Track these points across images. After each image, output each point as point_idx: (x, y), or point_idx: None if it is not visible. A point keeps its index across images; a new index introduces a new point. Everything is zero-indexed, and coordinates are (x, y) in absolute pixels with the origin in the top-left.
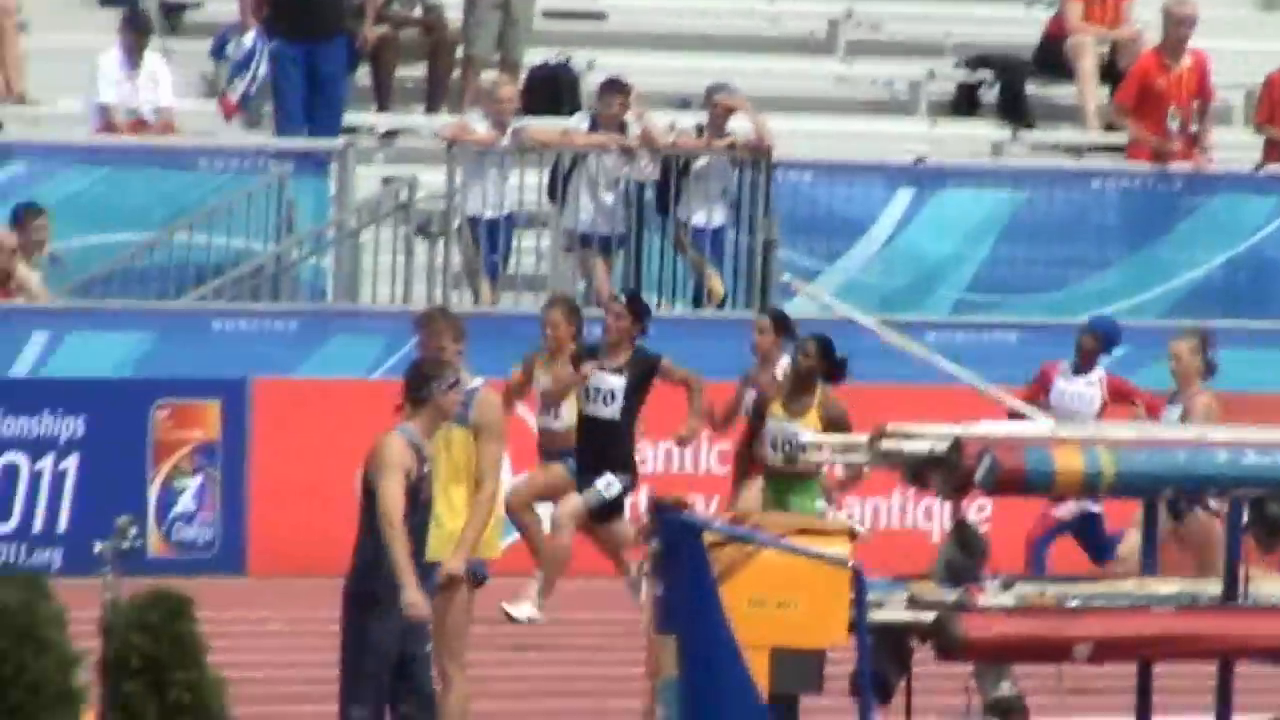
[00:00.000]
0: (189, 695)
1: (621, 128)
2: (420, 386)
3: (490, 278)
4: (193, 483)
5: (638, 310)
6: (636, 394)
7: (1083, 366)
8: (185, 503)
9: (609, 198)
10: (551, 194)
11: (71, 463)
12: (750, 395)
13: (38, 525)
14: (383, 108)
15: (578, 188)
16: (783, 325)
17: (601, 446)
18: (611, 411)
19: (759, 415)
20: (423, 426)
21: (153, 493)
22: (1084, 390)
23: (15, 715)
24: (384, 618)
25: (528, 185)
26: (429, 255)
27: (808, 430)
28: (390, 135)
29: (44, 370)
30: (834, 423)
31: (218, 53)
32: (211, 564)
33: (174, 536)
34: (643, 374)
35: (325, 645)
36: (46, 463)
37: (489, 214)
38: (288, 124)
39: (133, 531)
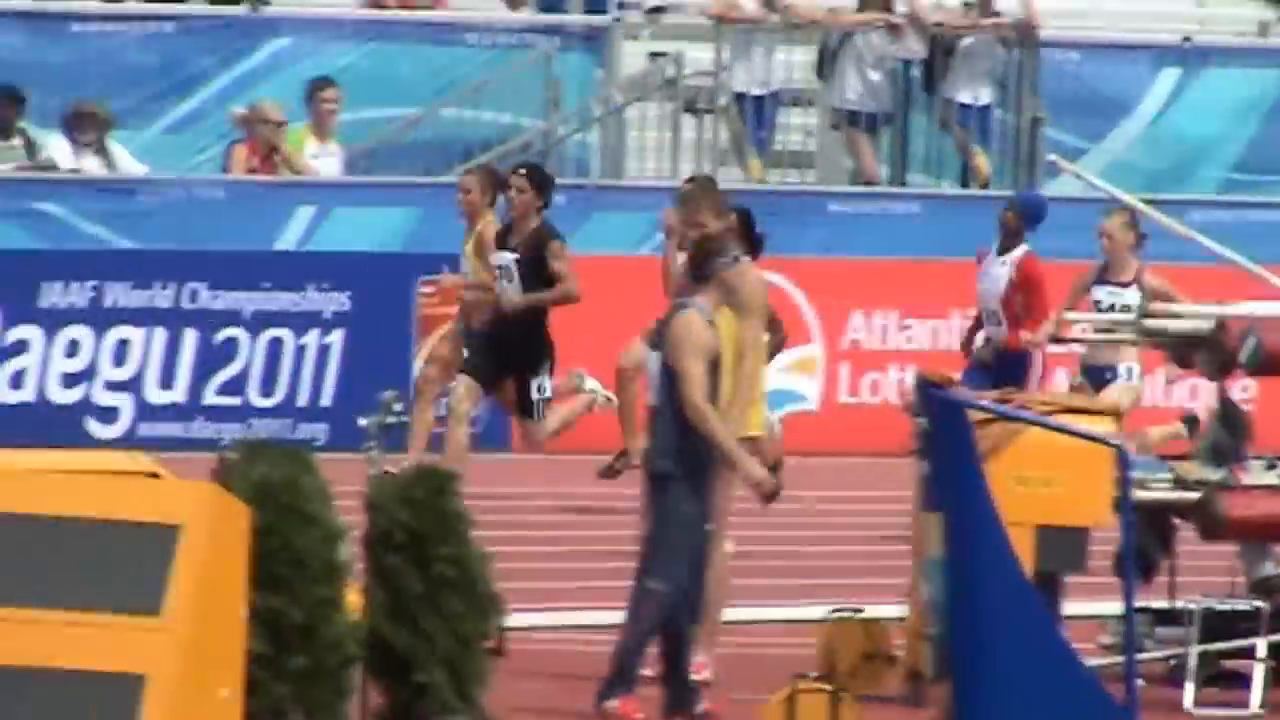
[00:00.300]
0: (452, 569)
1: (889, 6)
2: (704, 263)
3: (757, 154)
4: None
5: (539, 182)
6: (532, 270)
7: (1004, 246)
8: None
9: (875, 75)
10: (819, 71)
11: (336, 337)
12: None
13: (302, 400)
14: None
15: (845, 65)
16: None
17: (514, 330)
18: (513, 289)
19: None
20: (711, 303)
21: (417, 368)
22: (998, 271)
23: (280, 588)
24: (691, 495)
25: (795, 62)
26: (696, 131)
27: None
28: (657, 11)
29: (310, 245)
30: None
31: None
32: (474, 440)
33: (437, 412)
34: (533, 249)
35: (586, 520)
36: (312, 337)
37: (755, 90)
38: (555, 0)
39: (397, 407)
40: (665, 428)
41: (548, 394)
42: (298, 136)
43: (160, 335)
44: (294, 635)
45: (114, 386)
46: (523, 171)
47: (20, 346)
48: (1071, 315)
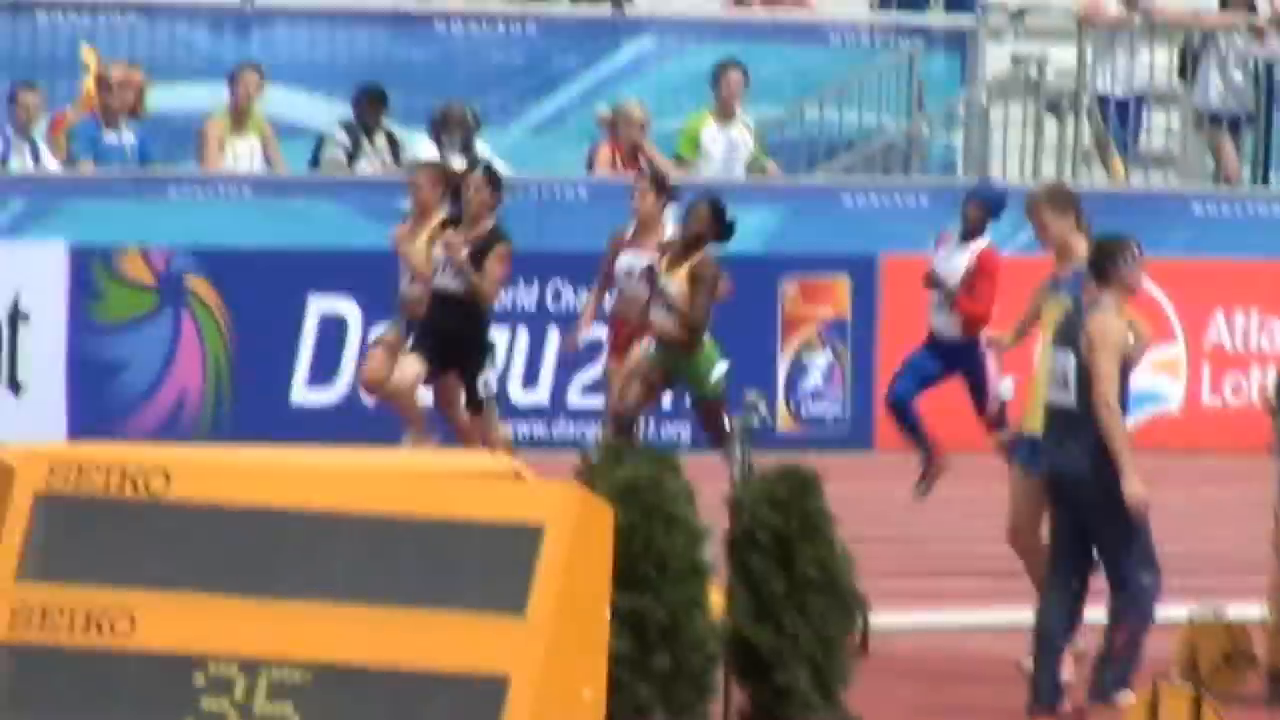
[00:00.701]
0: (816, 569)
1: (1252, 5)
2: (1106, 264)
3: (1121, 155)
4: (821, 359)
5: (494, 181)
6: (479, 266)
7: (967, 235)
8: (814, 379)
9: (1238, 76)
10: (1181, 72)
11: None
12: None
13: (665, 400)
14: None
15: (1207, 66)
16: (663, 188)
17: (451, 322)
18: (458, 285)
19: (652, 278)
20: (1115, 304)
21: (781, 368)
22: (959, 259)
23: (644, 587)
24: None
25: (1158, 64)
26: (1058, 132)
27: (676, 286)
28: (1021, 13)
29: None
30: (698, 279)
31: None
32: (839, 439)
33: (802, 412)
34: (481, 250)
35: (950, 519)
36: None
37: (1119, 91)
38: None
39: (761, 407)
40: (1083, 427)
41: (494, 389)
42: (695, 122)
43: (524, 335)
44: (657, 635)
45: None
46: (481, 172)
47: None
48: None
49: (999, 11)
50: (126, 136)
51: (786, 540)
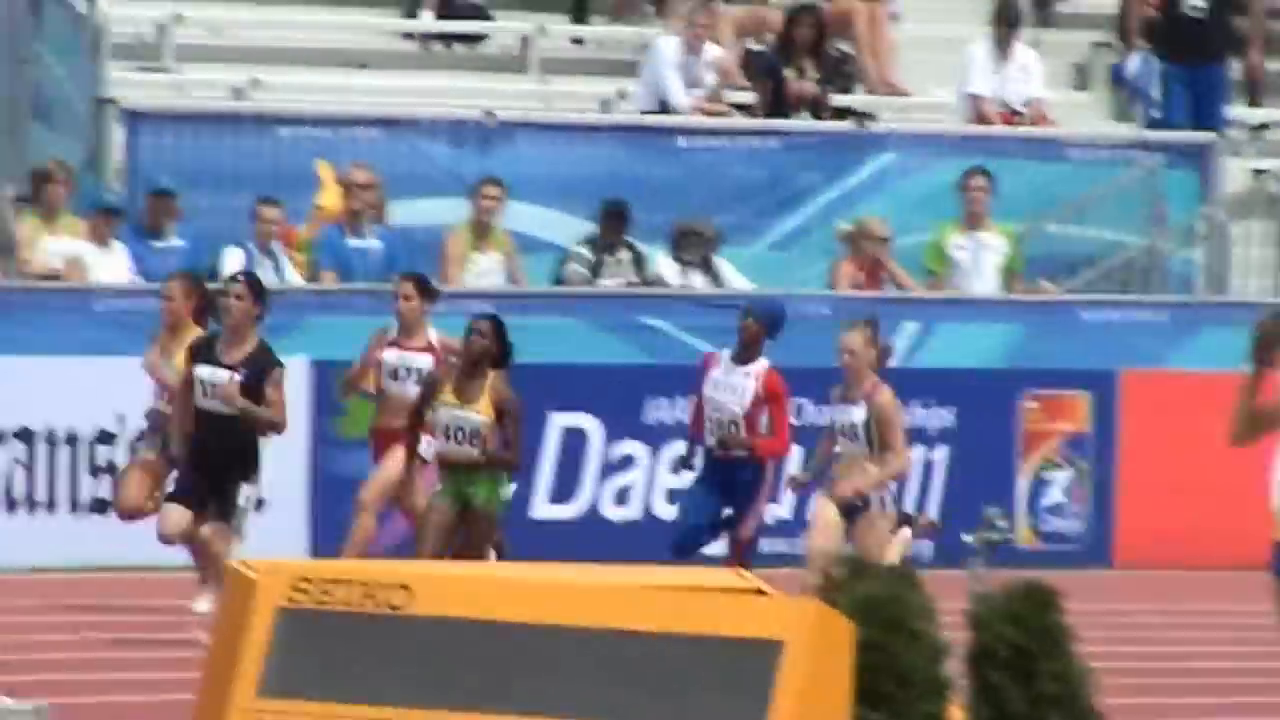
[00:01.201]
0: (1056, 686)
1: None
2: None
3: None
4: (1062, 475)
5: (257, 291)
6: (254, 385)
7: (744, 356)
8: (1054, 494)
9: None
10: None
11: (940, 453)
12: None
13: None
14: (1254, 102)
15: None
16: (426, 290)
17: (220, 443)
18: (230, 408)
19: (426, 398)
20: None
21: (1021, 484)
22: (739, 382)
23: (883, 704)
24: None
25: None
26: None
27: (480, 418)
28: (1261, 128)
29: (914, 360)
30: (505, 410)
31: (1117, 79)
32: (1079, 556)
33: (1042, 528)
34: (255, 367)
35: (1195, 637)
36: (917, 453)
37: None
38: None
39: (1002, 523)
40: None
41: (254, 502)
42: (942, 233)
43: None
44: None
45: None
46: (240, 278)
47: (626, 462)
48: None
49: (1239, 127)
50: (372, 242)
51: (1027, 655)
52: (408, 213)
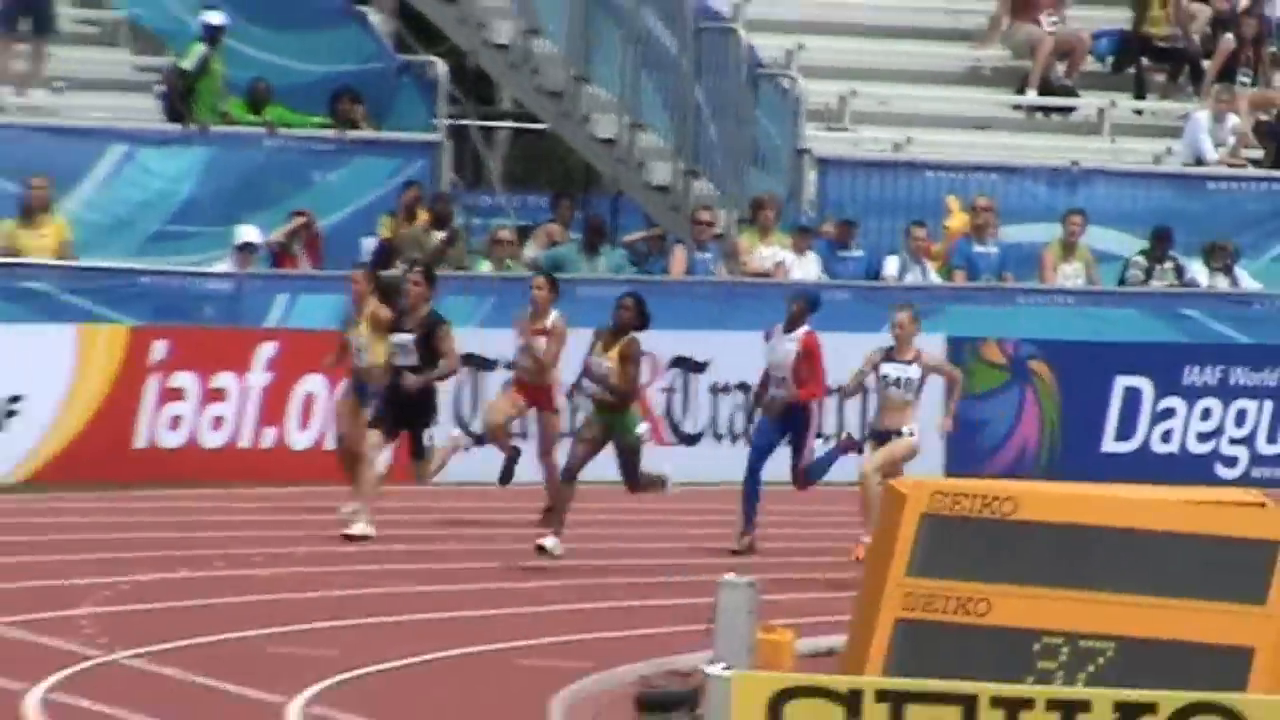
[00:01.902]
0: None
1: None
2: None
3: None
4: None
5: (430, 278)
6: (424, 346)
7: (790, 327)
8: None
9: None
10: None
11: None
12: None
13: None
14: None
15: None
16: (555, 285)
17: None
18: (413, 361)
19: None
20: None
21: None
22: (789, 346)
23: None
24: None
25: None
26: None
27: (609, 364)
28: None
29: None
30: (626, 358)
31: None
32: None
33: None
34: (426, 331)
35: None
36: None
37: None
38: None
39: None
40: None
41: (435, 442)
42: None
43: (1269, 405)
44: None
45: (1235, 442)
46: (418, 270)
47: (1168, 413)
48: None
49: None
50: (990, 249)
51: None
52: (1015, 234)
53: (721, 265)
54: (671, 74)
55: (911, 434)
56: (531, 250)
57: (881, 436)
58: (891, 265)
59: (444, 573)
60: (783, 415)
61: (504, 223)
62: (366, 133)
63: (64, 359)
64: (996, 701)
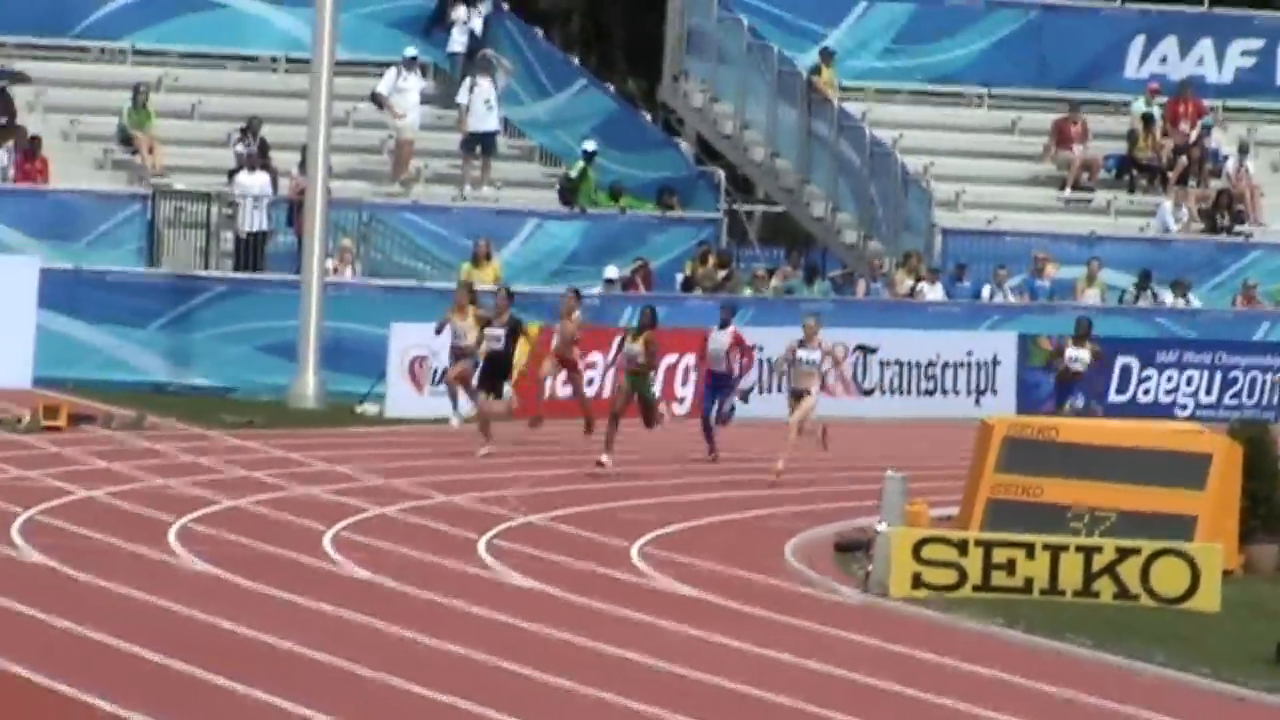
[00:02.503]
0: None
1: None
2: None
3: None
4: None
5: (510, 295)
6: (509, 338)
7: (722, 326)
8: None
9: None
10: None
11: None
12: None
13: None
14: None
15: None
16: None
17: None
18: (501, 346)
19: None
20: None
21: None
22: (722, 339)
23: (1258, 479)
24: None
25: None
26: None
27: (639, 349)
28: None
29: None
30: (649, 343)
31: None
32: None
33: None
34: (511, 329)
35: None
36: None
37: None
38: None
39: None
40: None
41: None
42: None
43: (1206, 374)
44: (1263, 498)
45: (1186, 395)
46: (504, 290)
47: (1146, 378)
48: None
49: None
50: (1045, 282)
51: None
52: (1059, 273)
53: (885, 291)
54: (856, 177)
55: (810, 392)
56: (776, 281)
57: (797, 394)
58: (985, 291)
59: (708, 484)
60: (717, 383)
61: (759, 266)
62: (678, 213)
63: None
64: (1045, 546)
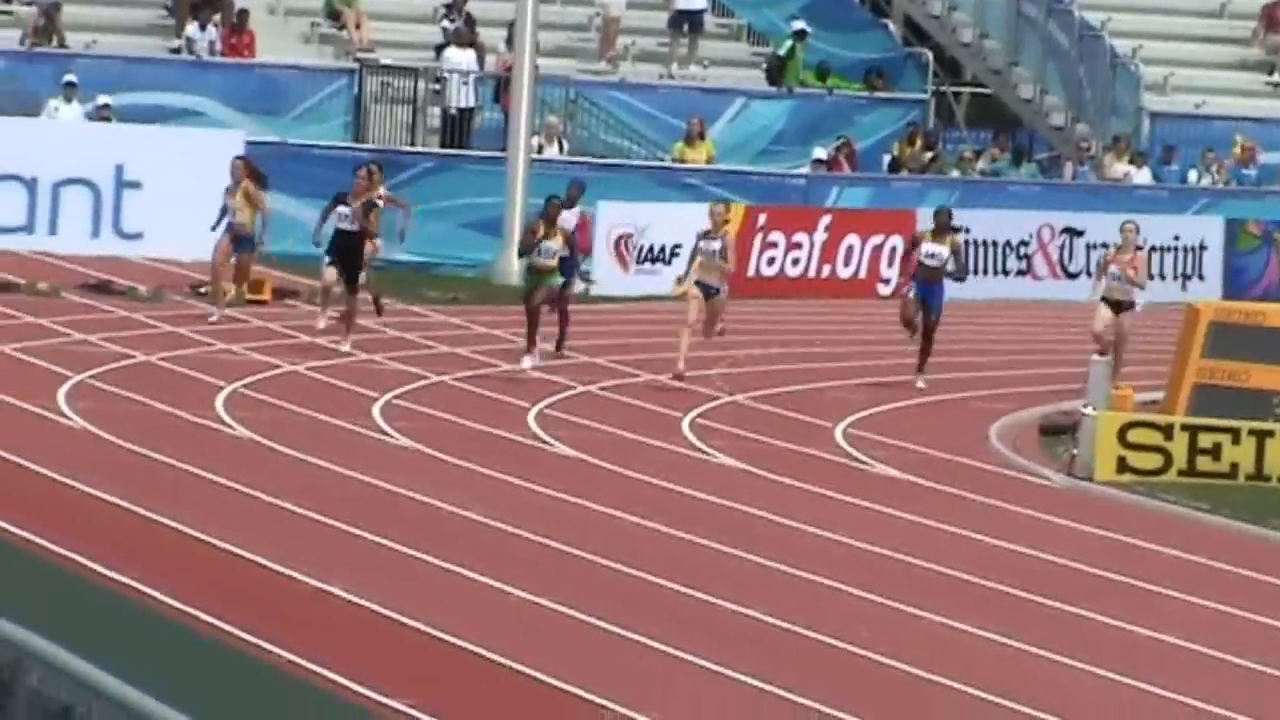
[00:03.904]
0: None
1: None
2: None
3: None
4: None
5: (372, 173)
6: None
7: (569, 205)
8: None
9: None
10: None
11: None
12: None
13: None
14: None
15: None
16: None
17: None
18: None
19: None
20: None
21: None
22: (569, 217)
23: None
24: None
25: None
26: None
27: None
28: None
29: None
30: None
31: None
32: None
33: None
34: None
35: None
36: None
37: None
38: None
39: None
40: None
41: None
42: None
43: None
44: None
45: None
46: (371, 166)
47: None
48: None
49: None
50: (1251, 170)
51: None
52: (1264, 159)
53: (1093, 174)
54: (1065, 60)
55: (720, 291)
56: (982, 164)
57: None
58: (1193, 175)
59: (915, 366)
60: (563, 265)
61: (965, 148)
62: (886, 94)
63: (705, 225)
64: (1251, 432)
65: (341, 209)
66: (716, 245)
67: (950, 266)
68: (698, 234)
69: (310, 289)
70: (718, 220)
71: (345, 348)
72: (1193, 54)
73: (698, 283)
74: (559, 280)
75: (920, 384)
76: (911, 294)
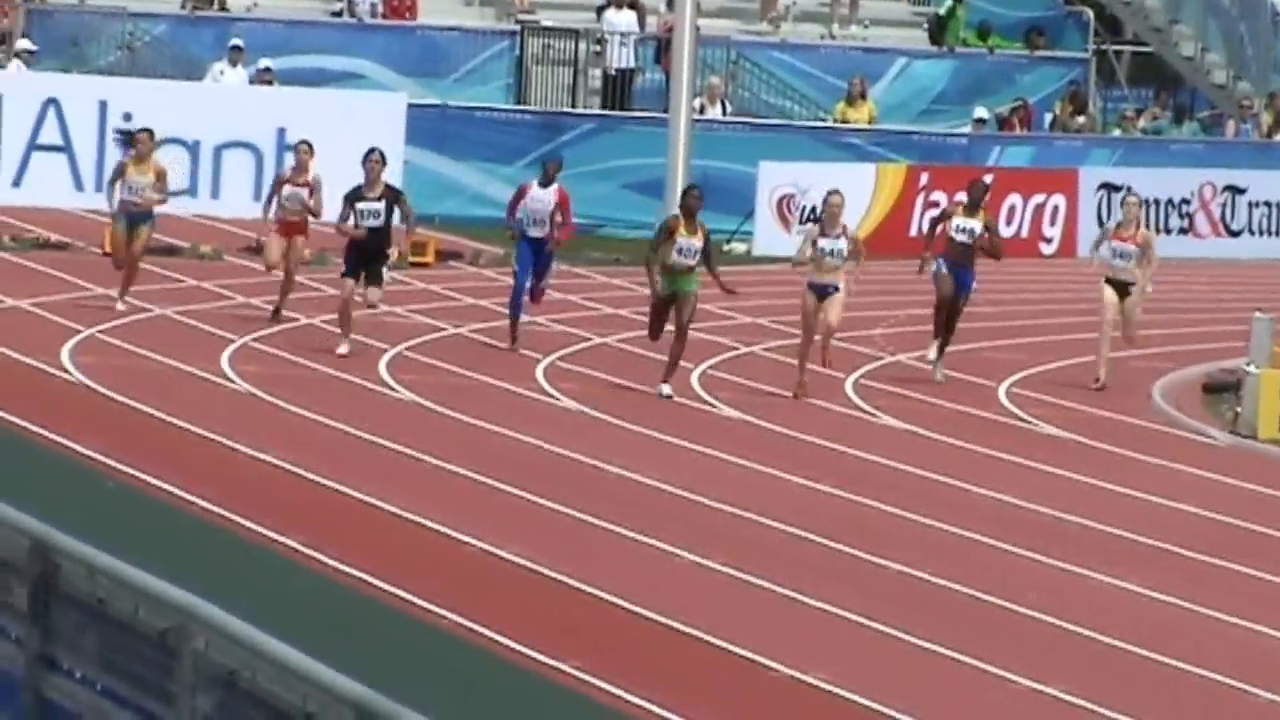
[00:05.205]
0: None
1: None
2: None
3: None
4: None
5: (383, 159)
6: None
7: (545, 184)
8: None
9: None
10: None
11: None
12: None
13: None
14: None
15: None
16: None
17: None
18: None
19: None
20: None
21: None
22: (546, 196)
23: None
24: None
25: None
26: None
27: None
28: None
29: None
30: (708, 237)
31: None
32: None
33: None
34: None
35: None
36: None
37: None
38: None
39: None
40: None
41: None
42: None
43: None
44: None
45: None
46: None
47: None
48: None
49: None
50: None
51: None
52: None
53: (1254, 132)
54: (1226, 17)
55: (838, 289)
56: (1144, 122)
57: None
58: None
59: (1077, 325)
60: (535, 248)
61: (1127, 106)
62: (1046, 53)
63: (867, 185)
64: None
65: (361, 205)
66: (840, 245)
67: (985, 245)
68: (809, 229)
69: (473, 251)
70: (836, 213)
71: (343, 349)
72: None
73: (810, 285)
74: (695, 287)
75: (934, 366)
76: (944, 270)
